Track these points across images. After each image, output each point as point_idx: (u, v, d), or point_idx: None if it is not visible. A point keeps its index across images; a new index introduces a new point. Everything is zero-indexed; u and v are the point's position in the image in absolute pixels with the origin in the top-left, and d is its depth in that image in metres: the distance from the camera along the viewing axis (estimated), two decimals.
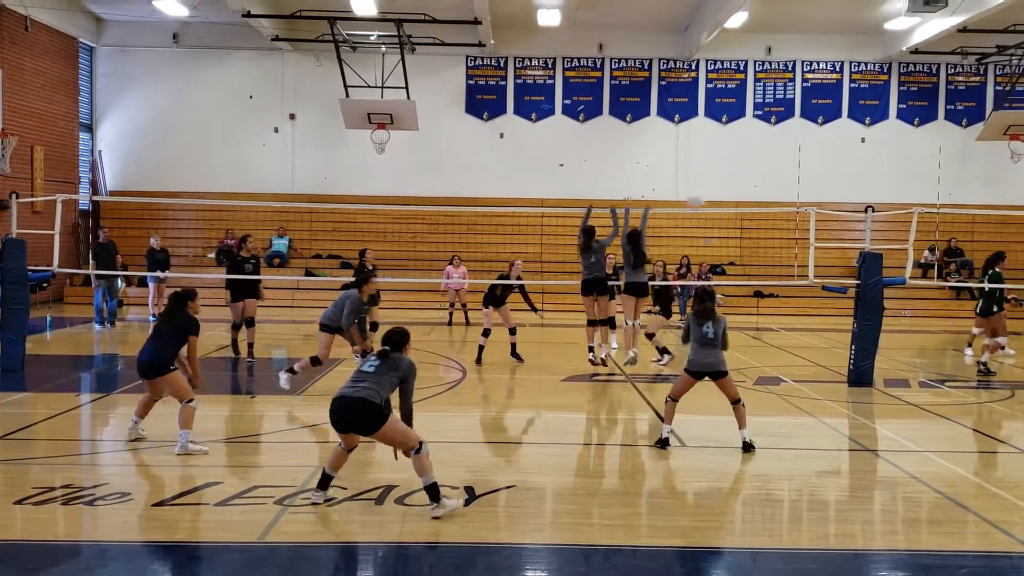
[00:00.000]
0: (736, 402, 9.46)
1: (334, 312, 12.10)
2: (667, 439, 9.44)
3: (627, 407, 12.03)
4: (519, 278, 16.27)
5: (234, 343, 15.19)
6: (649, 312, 16.02)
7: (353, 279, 14.29)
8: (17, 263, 13.77)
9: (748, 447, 9.27)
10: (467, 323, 21.47)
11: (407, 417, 7.35)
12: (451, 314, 22.06)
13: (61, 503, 7.23)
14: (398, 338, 7.47)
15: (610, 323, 14.58)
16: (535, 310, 16.65)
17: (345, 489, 7.62)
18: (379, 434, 7.04)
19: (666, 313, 15.88)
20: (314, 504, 7.19)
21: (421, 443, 7.02)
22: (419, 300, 25.24)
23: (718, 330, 9.48)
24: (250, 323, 14.89)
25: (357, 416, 6.98)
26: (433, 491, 6.95)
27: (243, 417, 10.91)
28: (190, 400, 8.97)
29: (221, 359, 15.36)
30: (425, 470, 6.96)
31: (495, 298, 15.59)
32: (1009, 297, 16.61)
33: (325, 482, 7.31)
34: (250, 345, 14.92)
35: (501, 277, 16.05)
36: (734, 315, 25.17)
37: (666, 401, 9.66)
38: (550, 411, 11.57)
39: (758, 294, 26.23)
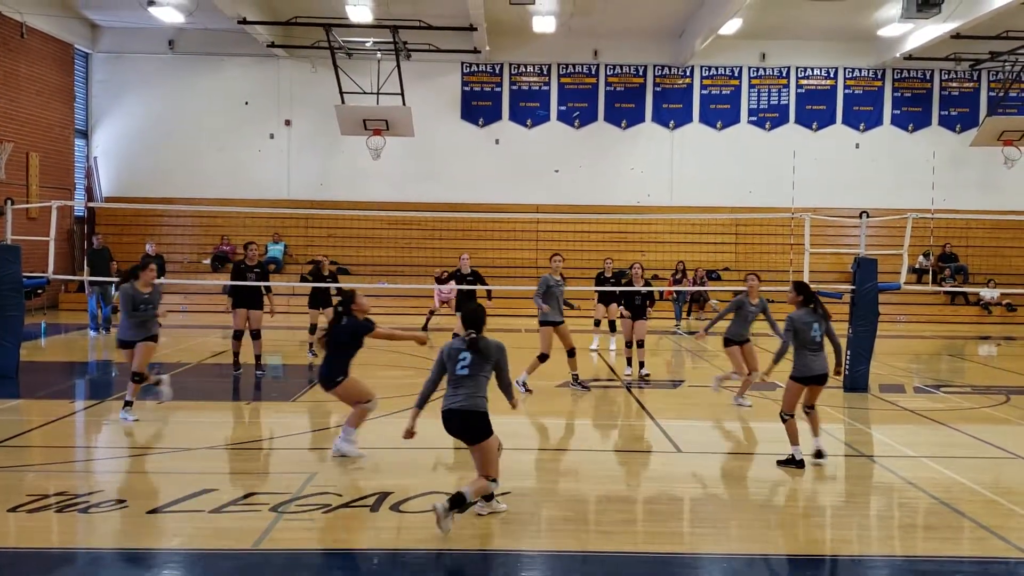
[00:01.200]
0: (812, 408, 9.15)
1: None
2: (803, 460, 8.82)
3: (623, 413, 12.02)
4: (471, 270, 16.06)
5: (235, 355, 14.38)
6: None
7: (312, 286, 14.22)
8: (12, 269, 13.75)
9: (820, 454, 8.94)
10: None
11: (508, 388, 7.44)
12: (428, 320, 21.95)
13: (55, 511, 7.21)
14: (479, 317, 7.26)
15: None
16: (489, 296, 16.08)
17: (340, 496, 7.61)
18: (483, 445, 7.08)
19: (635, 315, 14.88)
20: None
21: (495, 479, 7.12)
22: (416, 306, 25.21)
23: (821, 330, 9.07)
24: (255, 335, 14.25)
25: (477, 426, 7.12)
26: (459, 500, 6.82)
27: (238, 424, 10.88)
28: (367, 401, 9.04)
29: (216, 365, 15.34)
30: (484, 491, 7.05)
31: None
32: (1003, 302, 16.69)
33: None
34: (257, 357, 14.28)
35: (457, 278, 15.91)
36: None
37: (783, 420, 9.03)
38: (545, 417, 11.56)
39: None
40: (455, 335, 7.47)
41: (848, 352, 13.60)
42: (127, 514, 7.15)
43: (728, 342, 12.40)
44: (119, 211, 27.37)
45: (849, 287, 13.94)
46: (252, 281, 14.15)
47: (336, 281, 17.06)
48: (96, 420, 11.18)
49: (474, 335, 7.14)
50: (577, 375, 13.57)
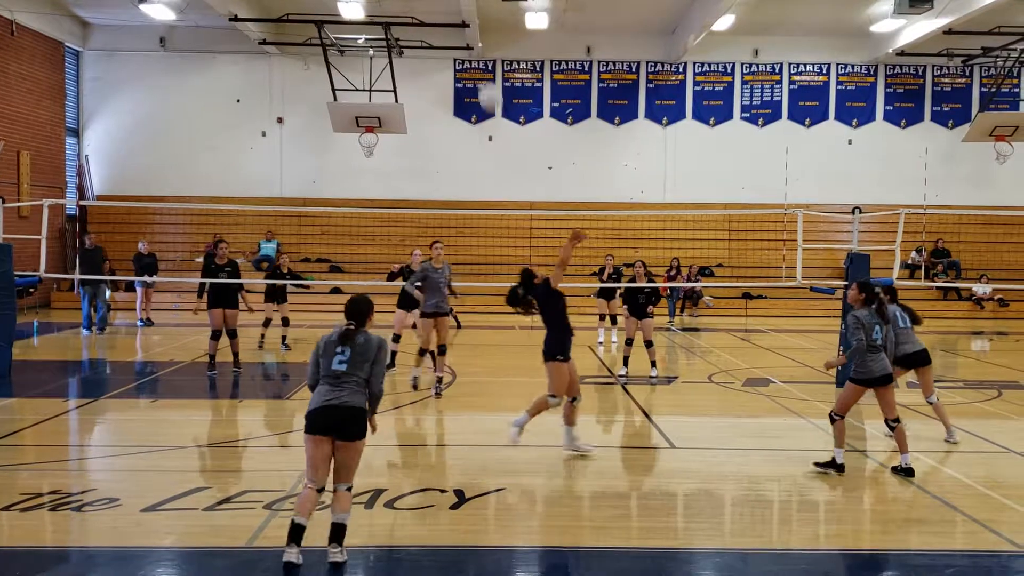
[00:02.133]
0: (897, 422, 8.62)
1: None
2: (843, 464, 8.51)
3: (618, 409, 12.03)
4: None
5: (211, 356, 13.98)
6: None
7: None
8: (3, 268, 13.71)
9: (908, 472, 8.47)
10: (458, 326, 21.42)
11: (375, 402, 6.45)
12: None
13: (49, 509, 7.20)
14: (364, 309, 6.48)
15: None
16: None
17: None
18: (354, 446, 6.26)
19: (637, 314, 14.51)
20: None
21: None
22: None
23: (883, 331, 8.72)
24: (232, 334, 14.05)
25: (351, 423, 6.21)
26: (340, 532, 6.15)
27: (230, 422, 10.87)
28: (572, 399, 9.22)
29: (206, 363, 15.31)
30: (345, 508, 6.23)
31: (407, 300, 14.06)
32: (995, 298, 16.78)
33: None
34: (235, 355, 14.15)
35: (405, 274, 14.37)
36: (723, 317, 25.29)
37: (832, 420, 8.66)
38: (540, 413, 11.55)
39: (746, 296, 26.28)
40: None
41: (841, 347, 13.62)
42: (121, 512, 7.13)
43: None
44: (111, 209, 27.30)
45: (842, 283, 13.96)
46: (223, 279, 13.88)
47: (295, 278, 18.49)
48: (89, 419, 11.17)
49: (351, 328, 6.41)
50: (441, 378, 12.56)
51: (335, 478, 6.23)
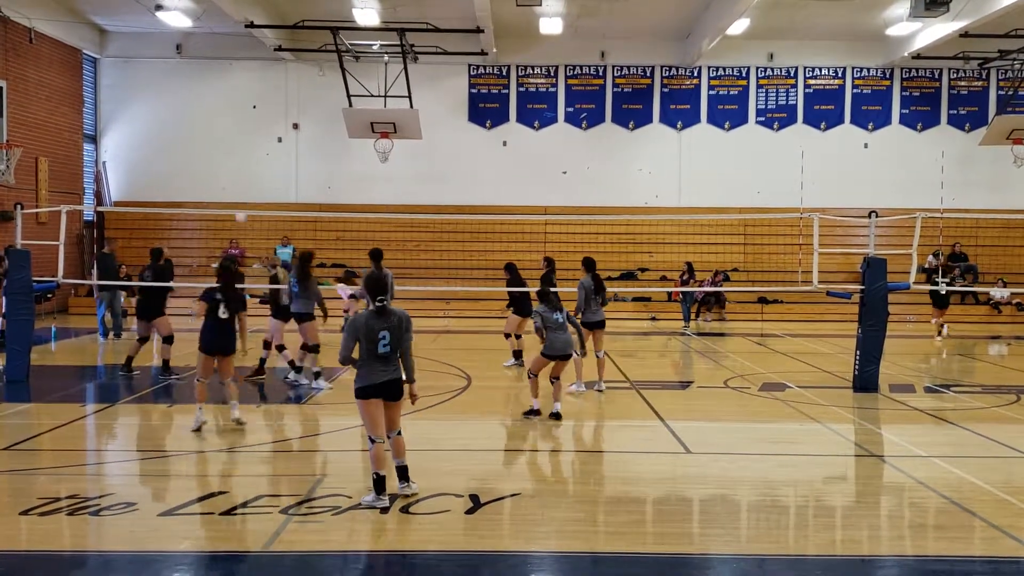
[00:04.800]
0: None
1: None
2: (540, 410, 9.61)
3: (632, 414, 12.00)
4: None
5: (128, 360, 14.59)
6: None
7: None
8: (21, 274, 13.80)
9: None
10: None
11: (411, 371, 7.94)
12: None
13: (66, 513, 7.23)
14: (388, 283, 8.27)
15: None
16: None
17: (350, 498, 7.62)
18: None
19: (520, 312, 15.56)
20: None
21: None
22: (422, 308, 25.25)
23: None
24: (168, 340, 14.66)
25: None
26: (404, 472, 7.77)
27: (247, 427, 10.88)
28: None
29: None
30: (403, 452, 7.84)
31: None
32: (1013, 302, 16.67)
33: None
34: (165, 361, 14.65)
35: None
36: (739, 321, 25.21)
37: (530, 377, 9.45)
38: (554, 418, 11.55)
39: (762, 300, 26.21)
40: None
41: (858, 352, 13.57)
42: (138, 517, 7.17)
43: None
44: (128, 215, 27.46)
45: (859, 287, 13.90)
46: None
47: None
48: (106, 423, 11.23)
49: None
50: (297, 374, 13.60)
51: (389, 428, 7.76)
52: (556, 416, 11.15)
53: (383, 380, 7.59)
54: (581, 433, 11.03)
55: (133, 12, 24.90)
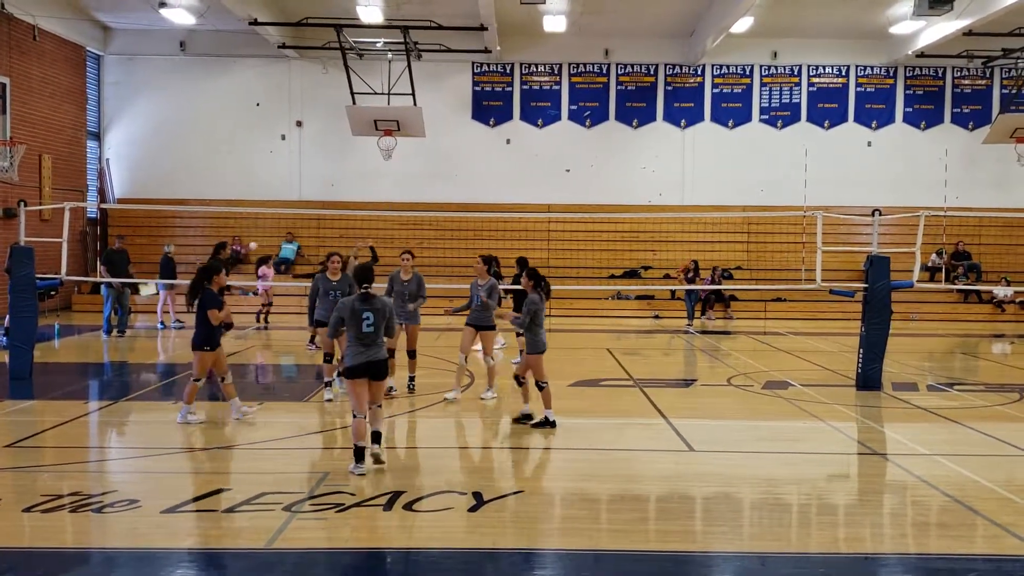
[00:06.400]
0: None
1: None
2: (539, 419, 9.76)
3: (635, 412, 12.00)
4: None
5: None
6: None
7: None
8: (25, 271, 13.82)
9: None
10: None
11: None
12: (265, 316, 22.64)
13: (69, 511, 7.24)
14: (371, 275, 8.68)
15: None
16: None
17: (353, 495, 7.63)
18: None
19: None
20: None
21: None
22: (425, 305, 25.21)
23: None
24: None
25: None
26: (378, 436, 8.52)
27: (251, 424, 10.90)
28: None
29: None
30: (380, 421, 8.65)
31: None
32: (1016, 300, 16.72)
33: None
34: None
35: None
36: (742, 319, 25.20)
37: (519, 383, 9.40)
38: (558, 416, 11.54)
39: (779, 299, 26.20)
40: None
41: (861, 350, 13.56)
42: (141, 514, 7.18)
43: None
44: (131, 212, 27.47)
45: (862, 285, 13.89)
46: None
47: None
48: (109, 421, 11.25)
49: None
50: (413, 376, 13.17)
51: (371, 400, 8.53)
52: (551, 424, 10.63)
53: (367, 360, 8.38)
54: (584, 431, 11.03)
55: (137, 9, 24.89)
